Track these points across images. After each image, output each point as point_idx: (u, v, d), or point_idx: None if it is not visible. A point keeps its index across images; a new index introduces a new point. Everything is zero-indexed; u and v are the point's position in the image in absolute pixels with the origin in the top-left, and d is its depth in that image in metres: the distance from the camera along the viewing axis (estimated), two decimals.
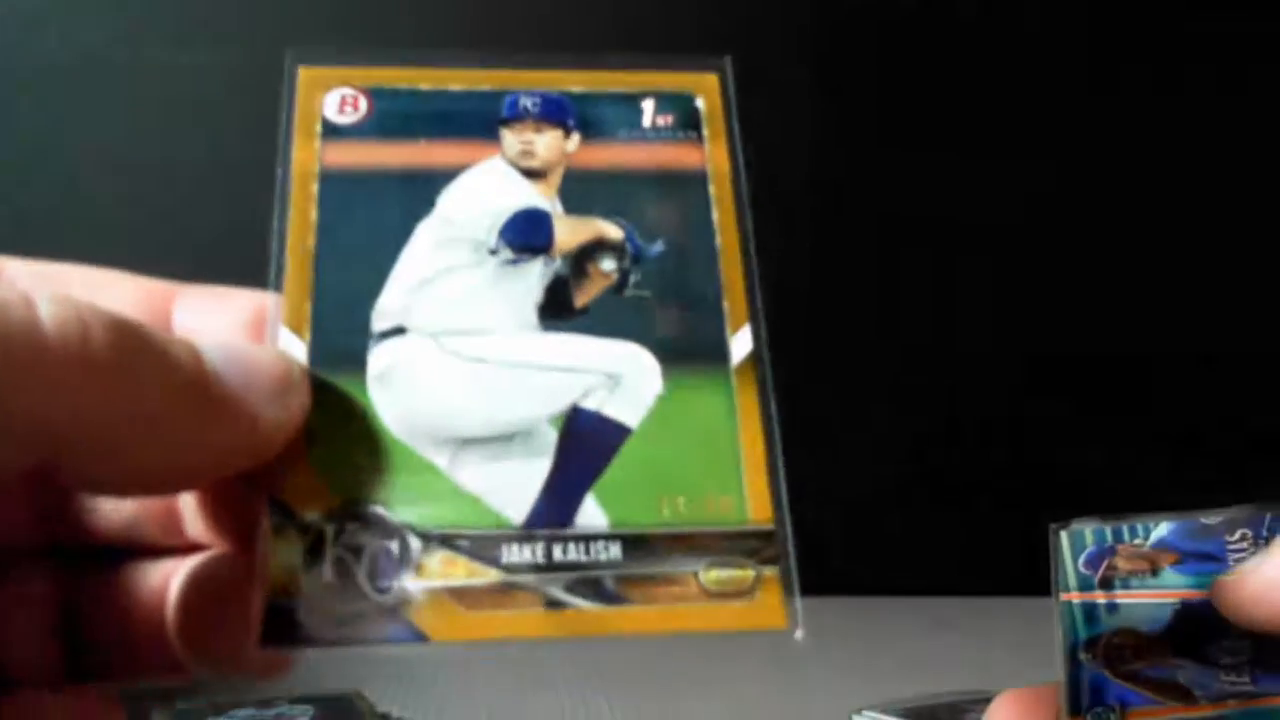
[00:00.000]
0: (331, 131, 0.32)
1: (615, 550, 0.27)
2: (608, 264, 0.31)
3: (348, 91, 0.32)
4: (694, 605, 0.27)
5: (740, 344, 0.30)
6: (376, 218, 0.31)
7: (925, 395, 0.81)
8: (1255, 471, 0.75)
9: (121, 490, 0.26)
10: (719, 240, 0.31)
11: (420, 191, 0.31)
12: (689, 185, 0.32)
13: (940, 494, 0.79)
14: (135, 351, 0.24)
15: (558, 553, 0.27)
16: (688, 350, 0.30)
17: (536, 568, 0.27)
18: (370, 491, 0.27)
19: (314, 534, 0.26)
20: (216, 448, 0.25)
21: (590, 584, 0.27)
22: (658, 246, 0.31)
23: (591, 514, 0.28)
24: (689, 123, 0.33)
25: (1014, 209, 0.81)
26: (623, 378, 0.29)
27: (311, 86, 0.32)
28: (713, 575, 0.27)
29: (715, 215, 0.32)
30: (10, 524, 0.28)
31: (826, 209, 0.79)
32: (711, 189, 0.32)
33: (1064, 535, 0.30)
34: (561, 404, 0.29)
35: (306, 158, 0.31)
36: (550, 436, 0.28)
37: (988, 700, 0.30)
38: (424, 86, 0.33)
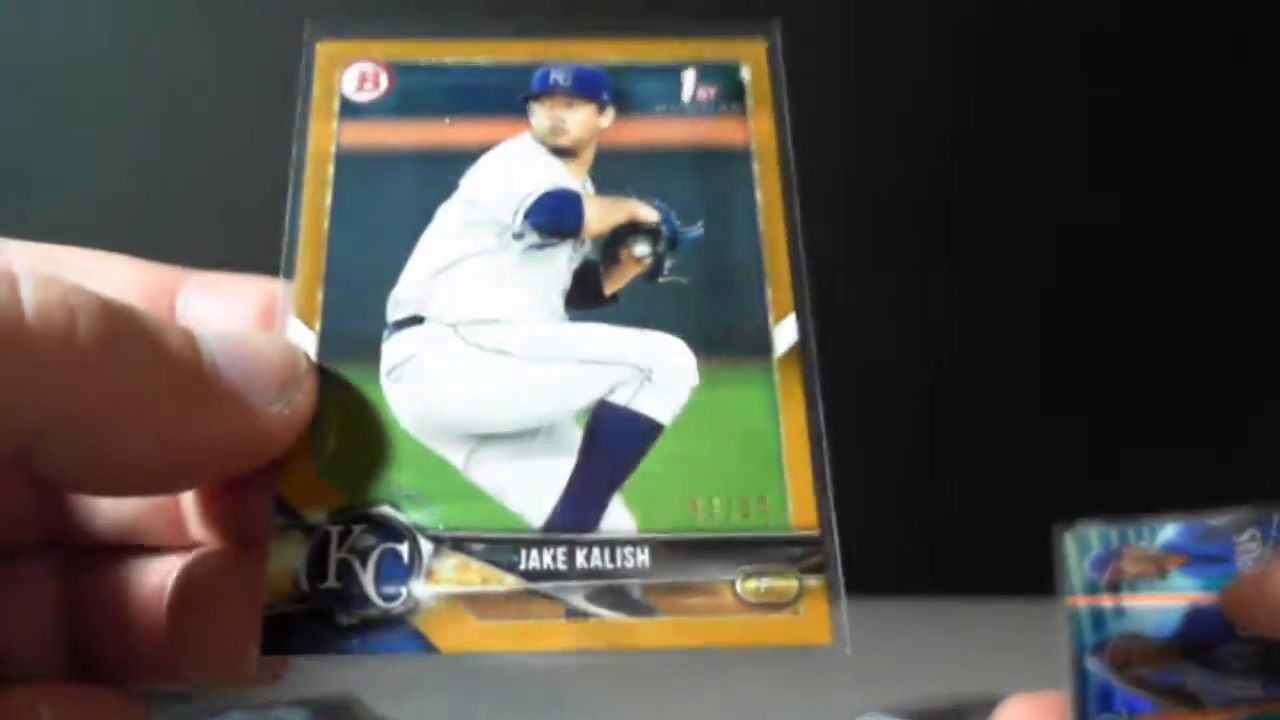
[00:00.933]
0: (350, 110, 0.30)
1: (644, 556, 0.25)
2: (641, 248, 0.29)
3: (367, 67, 0.31)
4: (730, 618, 0.24)
5: (784, 334, 0.28)
6: (395, 200, 0.29)
7: (933, 395, 0.78)
8: (1262, 471, 0.72)
9: (106, 489, 0.25)
10: (763, 223, 0.29)
11: (442, 172, 0.29)
12: (732, 163, 0.30)
13: (944, 494, 0.76)
14: (124, 337, 0.22)
15: (580, 558, 0.25)
16: (727, 341, 0.28)
17: (557, 574, 0.24)
18: (379, 491, 0.25)
19: (318, 536, 0.25)
20: (211, 446, 0.23)
21: (616, 593, 0.24)
22: (696, 229, 0.29)
23: (618, 517, 0.25)
24: (733, 95, 0.31)
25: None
26: (655, 371, 0.27)
27: (330, 62, 0.31)
28: (751, 585, 0.25)
29: (759, 195, 0.29)
30: (8, 517, 0.27)
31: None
32: (756, 167, 0.30)
33: (1069, 538, 0.29)
34: (588, 399, 0.27)
35: (323, 138, 0.29)
36: (575, 434, 0.26)
37: (992, 704, 0.29)
38: (449, 60, 0.31)
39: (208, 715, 0.37)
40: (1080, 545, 0.29)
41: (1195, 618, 0.28)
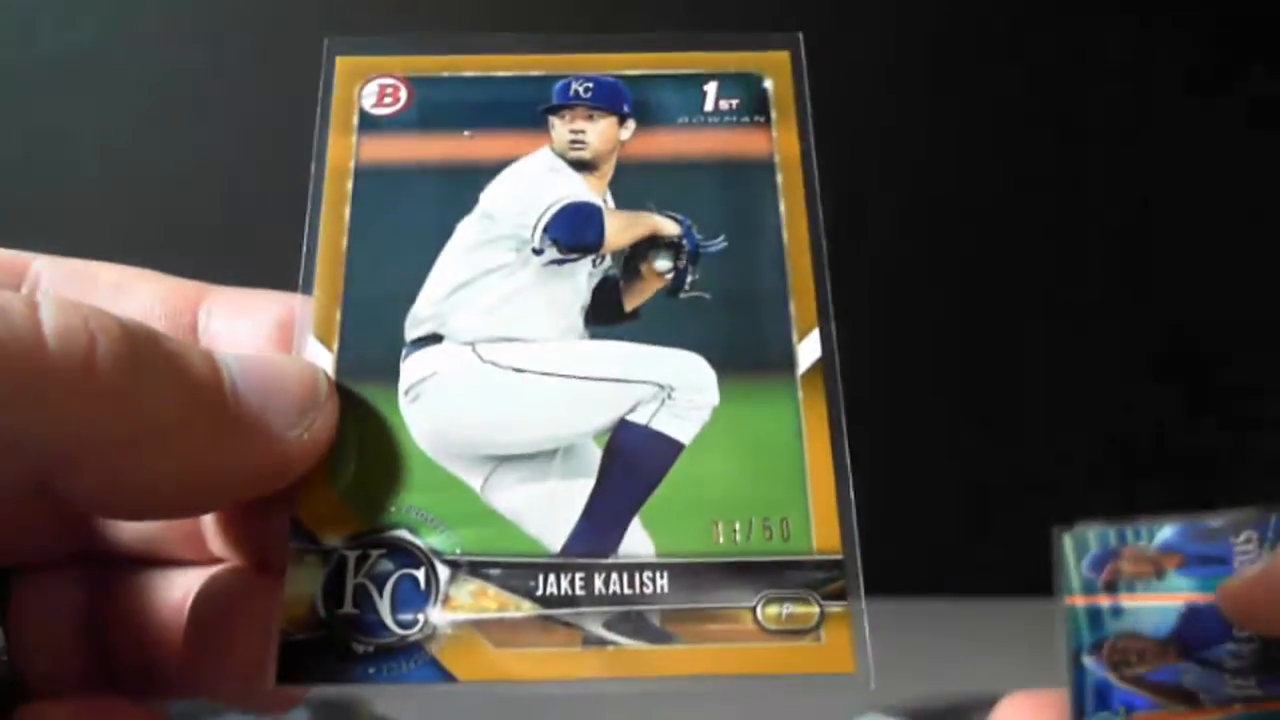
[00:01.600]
0: (369, 124, 0.30)
1: (663, 581, 0.24)
2: (663, 263, 0.28)
3: (387, 81, 0.30)
4: (750, 645, 0.24)
5: (808, 350, 0.27)
6: (414, 216, 0.29)
7: (932, 398, 0.77)
8: (1261, 474, 0.70)
9: (128, 513, 0.25)
10: (787, 235, 0.29)
11: (461, 187, 0.29)
12: (755, 174, 0.29)
13: (943, 493, 0.75)
14: (145, 363, 0.22)
15: (598, 584, 0.24)
16: (750, 358, 0.27)
17: (575, 600, 0.24)
18: (397, 514, 0.25)
19: (335, 561, 0.24)
20: (231, 471, 0.23)
21: (633, 619, 0.24)
22: (719, 243, 0.28)
23: (637, 540, 0.25)
24: (756, 106, 0.30)
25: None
26: (676, 388, 0.26)
27: (349, 77, 0.30)
28: (772, 611, 0.24)
29: (783, 207, 0.29)
30: (32, 531, 0.27)
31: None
32: (780, 178, 0.29)
33: (1068, 538, 0.29)
34: (607, 418, 0.26)
35: (342, 153, 0.29)
36: (594, 454, 0.26)
37: (990, 703, 0.29)
38: (468, 73, 0.31)
39: (208, 714, 0.37)
40: (1078, 546, 0.29)
41: (1192, 617, 0.28)
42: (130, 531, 0.27)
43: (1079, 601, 0.29)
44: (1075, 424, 0.76)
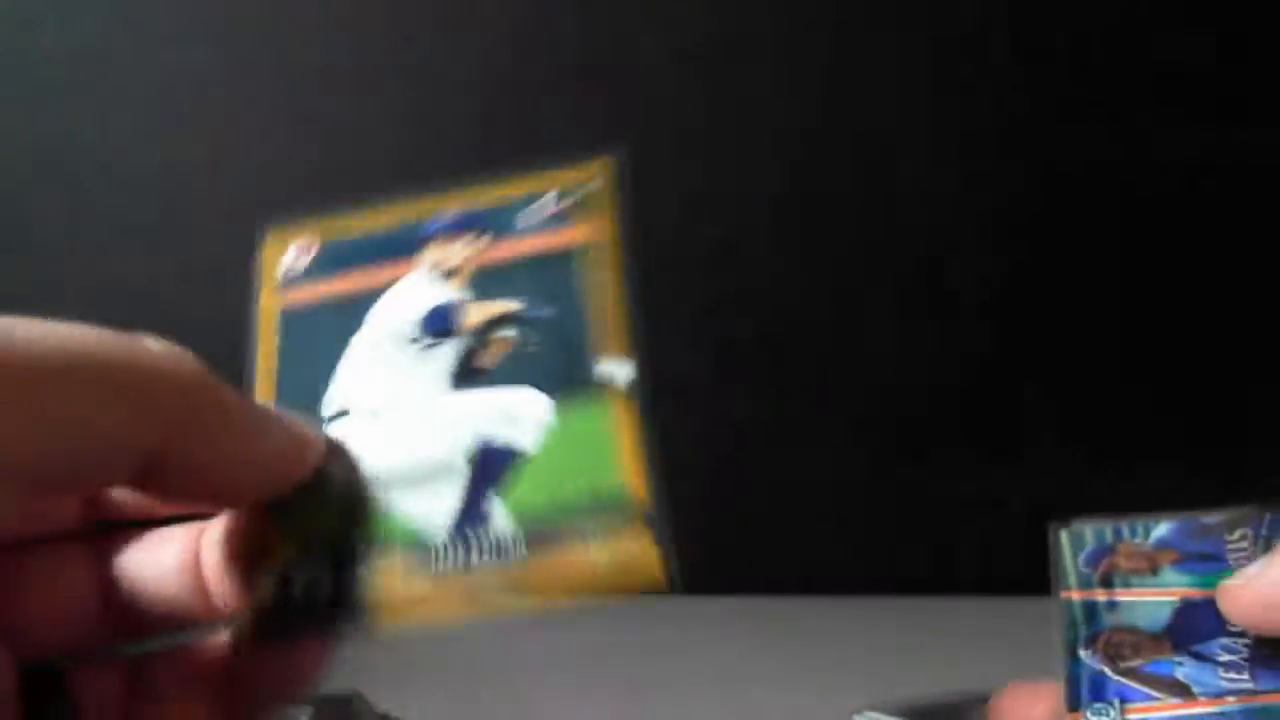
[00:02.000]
0: (289, 279, 0.40)
1: (521, 548, 0.33)
2: (506, 332, 0.38)
3: (301, 243, 0.41)
4: (587, 575, 0.33)
5: (616, 372, 0.36)
6: (324, 340, 0.39)
7: (928, 390, 0.81)
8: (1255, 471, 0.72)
9: (220, 472, 0.30)
10: (596, 302, 0.38)
11: (358, 312, 0.39)
12: (573, 258, 0.39)
13: (940, 493, 0.77)
14: (209, 377, 0.29)
15: (475, 557, 0.33)
16: (571, 387, 0.36)
17: (459, 571, 0.33)
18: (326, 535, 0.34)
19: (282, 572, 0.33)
20: (269, 451, 0.30)
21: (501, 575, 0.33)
22: (547, 311, 0.38)
23: (501, 522, 0.34)
24: (582, 208, 0.40)
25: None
26: (519, 415, 0.36)
27: (277, 244, 0.41)
28: (600, 546, 0.33)
29: (592, 281, 0.38)
30: (84, 626, 0.32)
31: None
32: (595, 255, 0.39)
33: (1064, 534, 0.30)
34: (471, 441, 0.35)
35: (270, 304, 0.40)
36: (464, 468, 0.35)
37: (986, 700, 0.30)
38: (361, 226, 0.41)
39: None
40: (1075, 541, 0.30)
41: (1186, 612, 0.29)
42: (156, 600, 0.33)
43: (1075, 595, 0.29)
44: (1058, 408, 0.77)
